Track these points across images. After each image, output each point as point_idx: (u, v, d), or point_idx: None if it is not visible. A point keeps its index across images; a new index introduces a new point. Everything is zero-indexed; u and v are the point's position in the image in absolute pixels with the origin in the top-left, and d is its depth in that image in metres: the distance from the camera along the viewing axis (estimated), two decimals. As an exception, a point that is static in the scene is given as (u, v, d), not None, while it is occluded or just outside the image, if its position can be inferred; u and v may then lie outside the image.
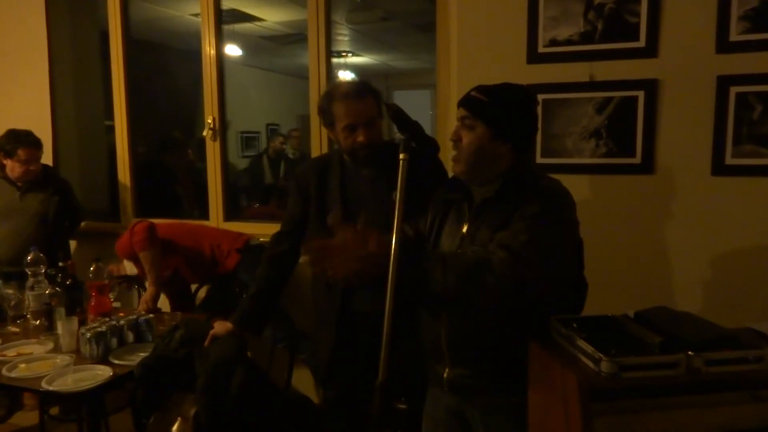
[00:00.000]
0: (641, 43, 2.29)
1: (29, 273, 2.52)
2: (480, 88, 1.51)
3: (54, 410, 3.10)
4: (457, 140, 1.51)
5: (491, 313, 1.43)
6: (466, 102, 1.51)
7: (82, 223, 3.43)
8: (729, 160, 2.22)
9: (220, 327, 2.03)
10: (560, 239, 1.44)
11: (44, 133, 3.46)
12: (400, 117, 1.47)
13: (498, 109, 1.48)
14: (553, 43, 2.41)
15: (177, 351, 2.04)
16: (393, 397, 1.52)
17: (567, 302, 1.54)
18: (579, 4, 2.36)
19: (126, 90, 3.53)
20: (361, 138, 1.88)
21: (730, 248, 2.26)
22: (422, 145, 1.48)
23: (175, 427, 1.99)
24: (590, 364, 1.21)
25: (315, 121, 2.96)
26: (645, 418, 1.21)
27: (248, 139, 6.65)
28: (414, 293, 1.44)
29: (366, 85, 1.97)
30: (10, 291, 2.61)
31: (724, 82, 2.19)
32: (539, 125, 2.40)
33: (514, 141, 1.50)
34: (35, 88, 3.58)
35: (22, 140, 2.97)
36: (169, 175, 4.03)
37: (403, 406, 1.64)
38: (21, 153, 2.97)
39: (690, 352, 1.19)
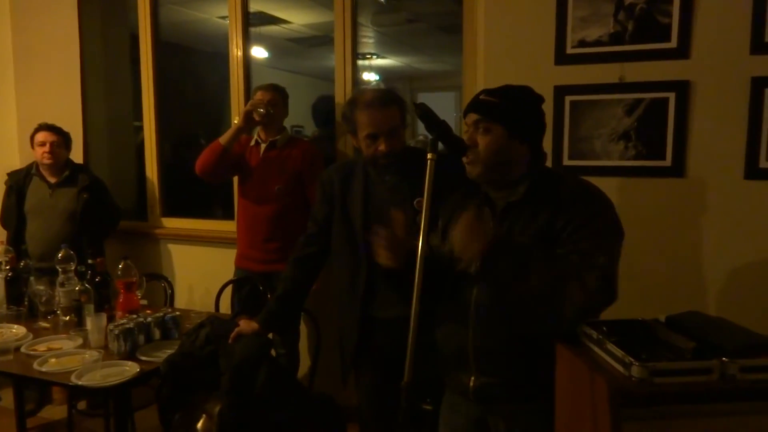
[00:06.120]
0: (673, 43, 2.25)
1: (60, 270, 2.57)
2: (487, 92, 1.52)
3: (81, 405, 3.16)
4: (472, 145, 1.50)
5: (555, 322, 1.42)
6: (477, 106, 1.51)
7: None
8: (763, 164, 2.18)
9: (246, 325, 2.05)
10: (620, 245, 1.48)
11: (75, 133, 3.54)
12: (428, 116, 1.47)
13: (511, 108, 1.48)
14: (582, 44, 2.38)
15: (202, 348, 2.05)
16: (419, 399, 1.52)
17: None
18: (609, 5, 2.33)
19: (155, 91, 3.59)
20: (382, 147, 1.86)
21: (763, 253, 2.21)
22: (450, 145, 1.48)
23: (200, 424, 2.00)
24: (620, 368, 1.19)
25: (341, 124, 2.96)
26: (676, 425, 1.18)
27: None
28: (492, 284, 1.46)
29: (390, 94, 1.94)
30: (41, 287, 2.66)
31: (758, 84, 2.15)
32: (566, 126, 2.41)
33: (530, 140, 1.50)
34: (67, 89, 3.65)
35: (39, 126, 3.18)
36: (194, 175, 4.05)
37: (428, 407, 1.63)
38: (37, 137, 3.16)
39: (724, 359, 1.16)
